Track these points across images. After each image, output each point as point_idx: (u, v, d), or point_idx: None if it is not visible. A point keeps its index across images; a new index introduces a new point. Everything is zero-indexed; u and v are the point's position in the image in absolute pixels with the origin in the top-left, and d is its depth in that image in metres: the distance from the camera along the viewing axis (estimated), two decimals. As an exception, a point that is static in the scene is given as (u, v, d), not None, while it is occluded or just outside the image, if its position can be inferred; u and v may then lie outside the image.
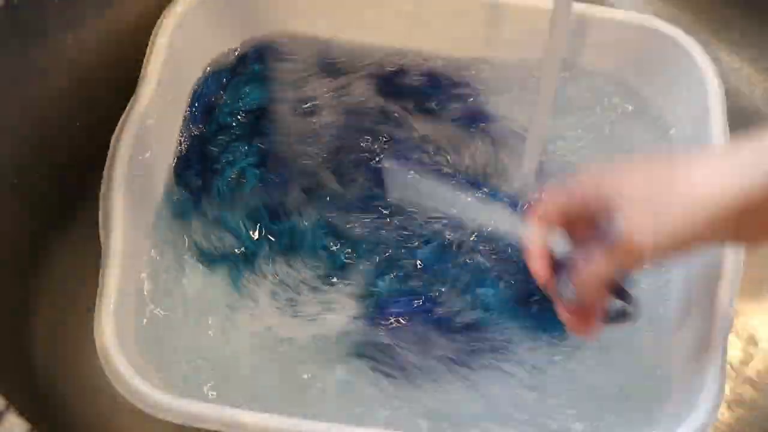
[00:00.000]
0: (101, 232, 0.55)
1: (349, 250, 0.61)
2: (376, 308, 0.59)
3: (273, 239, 0.61)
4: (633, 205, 0.44)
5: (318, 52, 0.68)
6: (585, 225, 0.48)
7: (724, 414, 0.62)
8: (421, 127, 0.66)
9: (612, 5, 0.72)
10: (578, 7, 0.65)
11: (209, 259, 0.60)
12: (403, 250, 0.60)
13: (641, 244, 0.43)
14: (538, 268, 0.49)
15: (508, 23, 0.66)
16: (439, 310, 0.59)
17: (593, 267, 0.46)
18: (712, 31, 0.73)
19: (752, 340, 0.64)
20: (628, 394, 0.57)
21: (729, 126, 0.61)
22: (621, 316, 0.48)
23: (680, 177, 0.43)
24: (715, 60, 0.64)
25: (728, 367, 0.55)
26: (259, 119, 0.66)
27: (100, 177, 0.57)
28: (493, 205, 0.52)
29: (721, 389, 0.52)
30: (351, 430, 0.51)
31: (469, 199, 0.52)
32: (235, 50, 0.67)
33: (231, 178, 0.63)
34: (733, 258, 0.55)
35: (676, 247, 0.44)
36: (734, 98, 0.70)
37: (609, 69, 0.67)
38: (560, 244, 0.49)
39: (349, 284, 0.60)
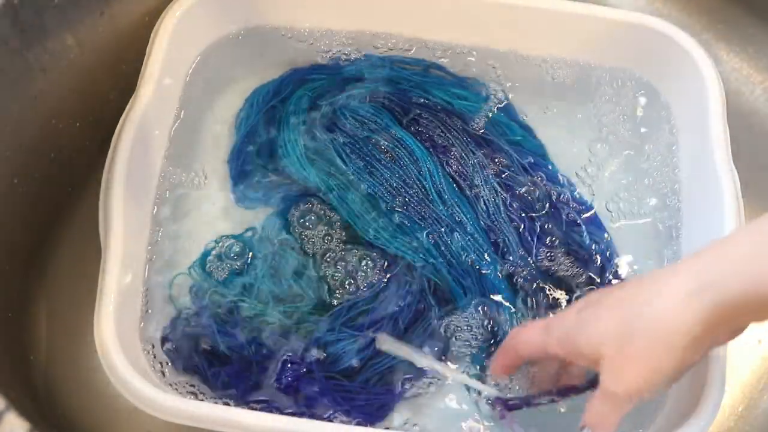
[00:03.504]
0: (101, 232, 0.55)
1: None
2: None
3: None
4: (609, 363, 0.44)
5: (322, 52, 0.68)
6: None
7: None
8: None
9: (612, 5, 0.72)
10: (578, 7, 0.65)
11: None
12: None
13: (628, 397, 0.44)
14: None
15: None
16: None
17: (601, 422, 0.46)
18: (712, 31, 0.73)
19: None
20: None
21: (729, 126, 0.61)
22: None
23: (645, 311, 0.43)
24: (715, 60, 0.64)
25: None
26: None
27: (100, 177, 0.57)
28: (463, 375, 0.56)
29: (720, 394, 0.52)
30: (351, 430, 0.51)
31: (444, 366, 0.56)
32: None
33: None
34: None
35: (671, 377, 0.44)
36: (734, 98, 0.70)
37: (608, 69, 0.67)
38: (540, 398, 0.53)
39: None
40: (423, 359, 0.55)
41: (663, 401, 0.55)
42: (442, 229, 0.60)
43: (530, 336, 0.50)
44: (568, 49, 0.67)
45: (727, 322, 0.42)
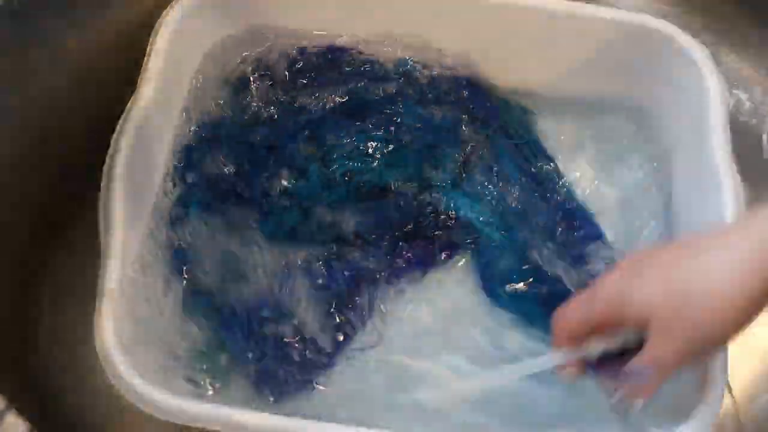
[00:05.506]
0: (101, 232, 0.55)
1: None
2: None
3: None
4: (659, 324, 0.45)
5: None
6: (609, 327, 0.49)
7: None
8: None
9: (612, 5, 0.72)
10: (577, 7, 0.65)
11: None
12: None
13: (675, 360, 0.45)
14: (573, 371, 0.50)
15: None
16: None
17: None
18: (711, 31, 0.73)
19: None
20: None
21: (729, 126, 0.61)
22: None
23: (697, 278, 0.44)
24: (715, 60, 0.64)
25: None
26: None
27: (100, 177, 0.57)
28: (515, 365, 0.53)
29: (720, 393, 0.52)
30: (351, 431, 0.51)
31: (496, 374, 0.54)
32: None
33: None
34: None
35: (721, 342, 0.46)
36: (734, 98, 0.70)
37: (608, 68, 0.67)
38: (591, 347, 0.50)
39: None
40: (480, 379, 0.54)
41: (662, 400, 0.56)
42: None
43: (573, 307, 0.50)
44: (567, 49, 0.67)
45: None
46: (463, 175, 0.63)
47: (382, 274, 0.60)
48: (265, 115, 0.65)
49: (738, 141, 0.61)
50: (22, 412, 0.46)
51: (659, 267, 0.46)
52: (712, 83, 0.62)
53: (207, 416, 0.50)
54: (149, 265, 0.58)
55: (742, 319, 0.43)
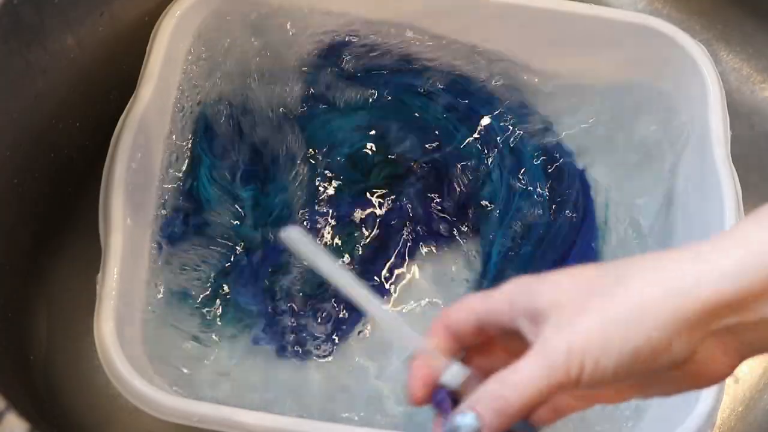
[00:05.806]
0: (101, 232, 0.55)
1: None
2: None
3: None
4: (561, 315, 0.35)
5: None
6: (502, 349, 0.39)
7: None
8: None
9: (612, 5, 0.72)
10: (578, 7, 0.65)
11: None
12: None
13: (565, 363, 0.34)
14: (415, 387, 0.39)
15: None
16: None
17: (519, 383, 0.35)
18: (712, 31, 0.73)
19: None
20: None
21: (729, 126, 0.61)
22: None
23: (633, 279, 0.35)
24: (715, 60, 0.64)
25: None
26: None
27: (100, 177, 0.57)
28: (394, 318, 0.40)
29: (720, 394, 0.52)
30: (350, 430, 0.51)
31: (363, 292, 0.40)
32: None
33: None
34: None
35: (626, 362, 0.34)
36: (734, 98, 0.70)
37: (608, 69, 0.67)
38: (455, 371, 0.38)
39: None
40: (338, 275, 0.40)
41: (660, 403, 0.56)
42: None
43: (468, 297, 0.39)
44: (567, 50, 0.67)
45: (725, 322, 0.34)
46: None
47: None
48: (271, 112, 0.65)
49: (738, 140, 0.61)
50: (22, 412, 0.46)
51: (589, 266, 0.37)
52: (712, 83, 0.62)
53: (207, 416, 0.50)
54: (150, 265, 0.59)
55: (668, 335, 0.33)
